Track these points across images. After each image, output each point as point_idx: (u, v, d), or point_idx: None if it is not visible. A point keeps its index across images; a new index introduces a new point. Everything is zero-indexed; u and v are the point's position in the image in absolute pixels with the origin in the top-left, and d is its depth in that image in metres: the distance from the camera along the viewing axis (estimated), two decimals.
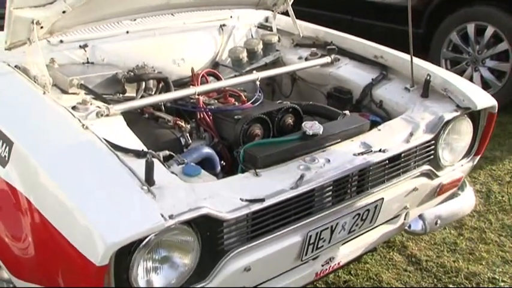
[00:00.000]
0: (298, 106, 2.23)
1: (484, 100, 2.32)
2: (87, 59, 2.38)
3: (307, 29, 2.94)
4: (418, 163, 2.17)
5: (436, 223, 2.32)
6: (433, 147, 2.21)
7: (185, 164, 1.80)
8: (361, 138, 2.05)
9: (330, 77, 2.66)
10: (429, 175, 2.23)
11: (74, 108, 1.87)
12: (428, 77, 2.35)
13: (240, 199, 1.64)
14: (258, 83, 2.38)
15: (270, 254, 1.77)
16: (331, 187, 1.87)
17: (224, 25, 2.87)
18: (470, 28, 4.59)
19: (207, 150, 2.02)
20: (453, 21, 4.70)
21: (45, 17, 1.98)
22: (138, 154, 1.66)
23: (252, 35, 3.00)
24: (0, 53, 2.03)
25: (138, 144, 1.75)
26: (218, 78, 2.50)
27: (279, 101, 2.38)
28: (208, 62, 2.79)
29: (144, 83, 2.31)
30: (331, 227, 1.92)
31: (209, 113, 2.20)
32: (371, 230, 2.17)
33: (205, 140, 2.18)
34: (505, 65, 4.51)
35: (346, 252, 2.14)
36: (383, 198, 2.05)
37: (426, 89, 2.35)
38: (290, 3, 2.84)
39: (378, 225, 2.19)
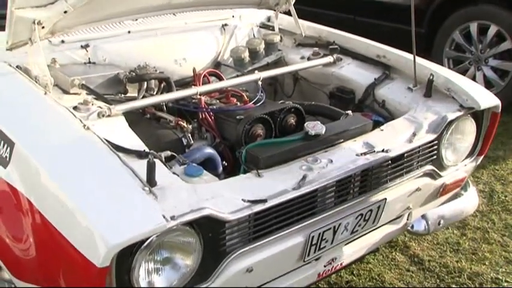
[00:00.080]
0: (300, 106, 2.22)
1: (487, 100, 2.31)
2: (89, 59, 2.38)
3: (310, 28, 2.93)
4: (421, 163, 2.16)
5: (439, 223, 2.30)
6: (436, 147, 2.19)
7: (187, 164, 1.80)
8: (363, 138, 2.05)
9: (332, 76, 2.65)
10: (432, 175, 2.23)
11: (75, 108, 1.87)
12: (431, 77, 2.34)
13: (242, 200, 1.64)
14: (260, 83, 2.38)
15: (272, 255, 1.77)
16: (333, 187, 1.87)
17: (226, 25, 2.87)
18: (473, 27, 4.58)
19: (209, 150, 2.01)
20: (456, 20, 4.69)
21: (46, 17, 1.98)
22: (140, 155, 1.66)
23: (254, 35, 2.99)
24: (2, 53, 2.03)
25: (139, 145, 1.74)
26: (220, 78, 2.49)
27: (281, 101, 2.38)
28: (210, 62, 2.79)
29: (145, 83, 2.31)
30: (334, 227, 1.91)
31: (211, 113, 2.20)
32: (374, 230, 2.17)
33: (207, 141, 2.17)
34: (508, 64, 4.50)
35: (348, 253, 2.13)
36: (386, 199, 2.04)
37: (429, 89, 2.35)
38: (292, 2, 2.83)
39: (381, 226, 2.19)
